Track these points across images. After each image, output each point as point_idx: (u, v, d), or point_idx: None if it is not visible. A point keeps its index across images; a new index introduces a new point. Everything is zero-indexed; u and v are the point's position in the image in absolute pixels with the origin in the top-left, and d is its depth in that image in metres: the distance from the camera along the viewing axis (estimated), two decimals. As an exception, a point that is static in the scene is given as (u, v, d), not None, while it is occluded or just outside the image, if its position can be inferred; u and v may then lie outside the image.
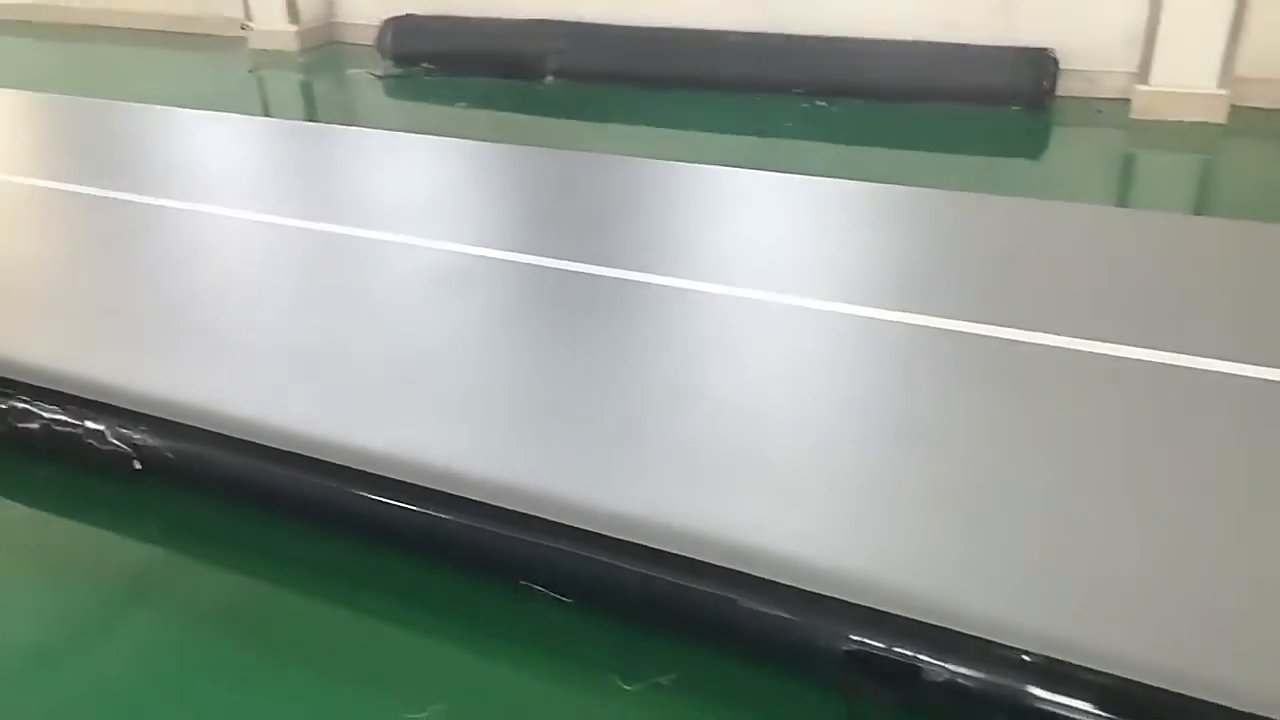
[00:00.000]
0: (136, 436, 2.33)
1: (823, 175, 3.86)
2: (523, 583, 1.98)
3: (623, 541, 1.90)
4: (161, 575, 2.21)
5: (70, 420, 2.40)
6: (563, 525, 1.95)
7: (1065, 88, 4.97)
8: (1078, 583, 1.80)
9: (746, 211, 3.55)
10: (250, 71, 6.46)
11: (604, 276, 3.02)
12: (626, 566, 1.88)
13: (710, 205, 3.62)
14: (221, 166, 4.34)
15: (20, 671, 1.93)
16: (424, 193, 3.90)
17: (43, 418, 2.43)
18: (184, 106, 5.03)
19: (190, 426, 2.32)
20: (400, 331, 2.77)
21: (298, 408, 2.38)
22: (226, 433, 2.28)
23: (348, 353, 2.65)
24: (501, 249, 3.24)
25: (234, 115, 4.98)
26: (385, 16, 6.29)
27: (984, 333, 2.60)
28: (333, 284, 3.08)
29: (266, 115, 5.60)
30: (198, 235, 3.43)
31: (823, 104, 5.15)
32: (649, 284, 2.96)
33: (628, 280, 2.98)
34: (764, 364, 2.56)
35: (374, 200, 3.74)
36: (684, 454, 2.20)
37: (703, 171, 3.92)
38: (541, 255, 3.16)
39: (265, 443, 2.25)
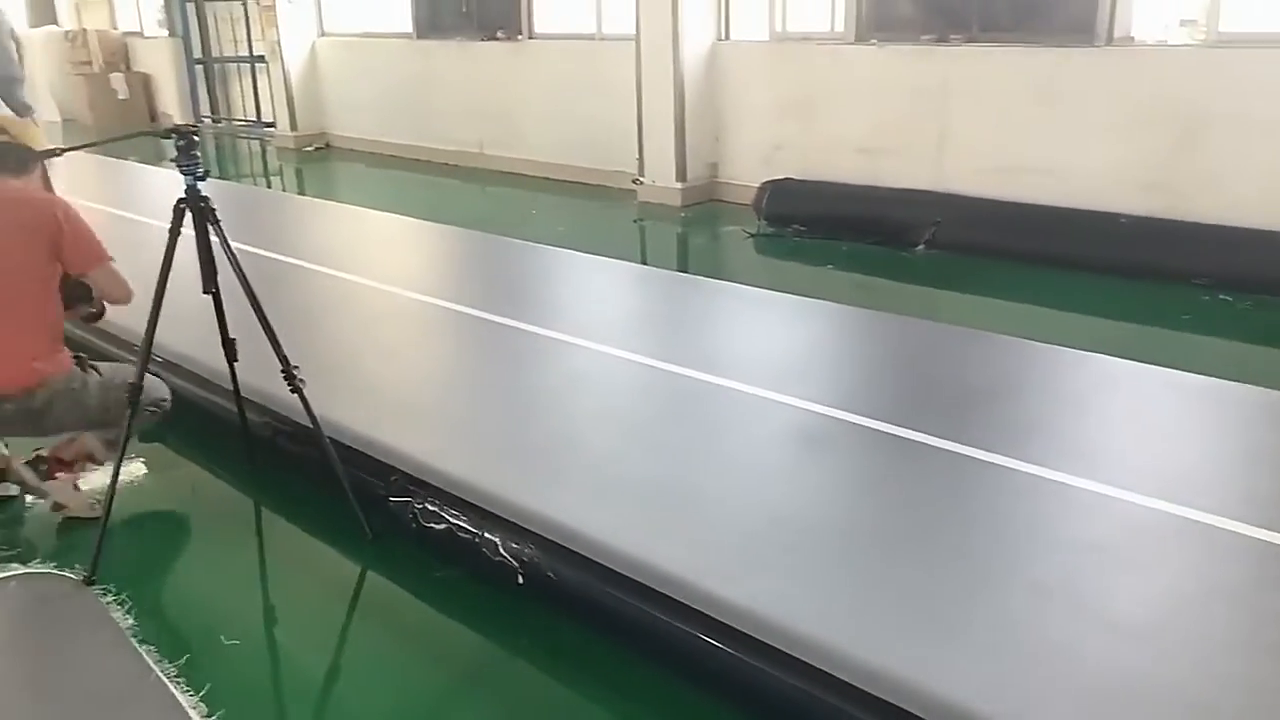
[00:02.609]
0: (524, 553, 2.50)
1: (1222, 377, 3.51)
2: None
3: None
4: (523, 690, 2.33)
5: (470, 528, 2.63)
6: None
7: None
8: None
9: (1127, 405, 3.29)
10: (635, 222, 7.04)
11: (967, 456, 2.89)
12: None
13: (1086, 394, 3.39)
14: (604, 306, 4.70)
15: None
16: (785, 350, 3.99)
17: (447, 522, 2.68)
18: (576, 249, 5.55)
19: (570, 550, 2.46)
20: (762, 484, 2.80)
21: (669, 548, 2.45)
22: (603, 562, 2.39)
23: (719, 500, 2.71)
24: (859, 414, 3.21)
25: (617, 261, 5.40)
26: (764, 179, 6.65)
27: None
28: (699, 429, 3.19)
29: (644, 263, 6.03)
30: (582, 368, 3.70)
31: (1228, 298, 4.73)
32: (1016, 470, 2.80)
33: (993, 464, 2.84)
34: (1155, 582, 2.30)
35: (737, 352, 3.88)
36: (1064, 666, 2.01)
37: (1081, 358, 3.71)
38: (899, 425, 3.09)
39: (634, 576, 2.33)
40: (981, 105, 5.96)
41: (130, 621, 2.51)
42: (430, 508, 2.74)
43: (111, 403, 2.92)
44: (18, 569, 2.75)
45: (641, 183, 7.38)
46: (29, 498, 3.14)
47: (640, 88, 7.17)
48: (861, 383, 3.63)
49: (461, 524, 2.66)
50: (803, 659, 2.05)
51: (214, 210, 2.81)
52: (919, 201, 6.01)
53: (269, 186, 9.21)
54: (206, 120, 12.74)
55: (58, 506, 2.99)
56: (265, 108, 11.50)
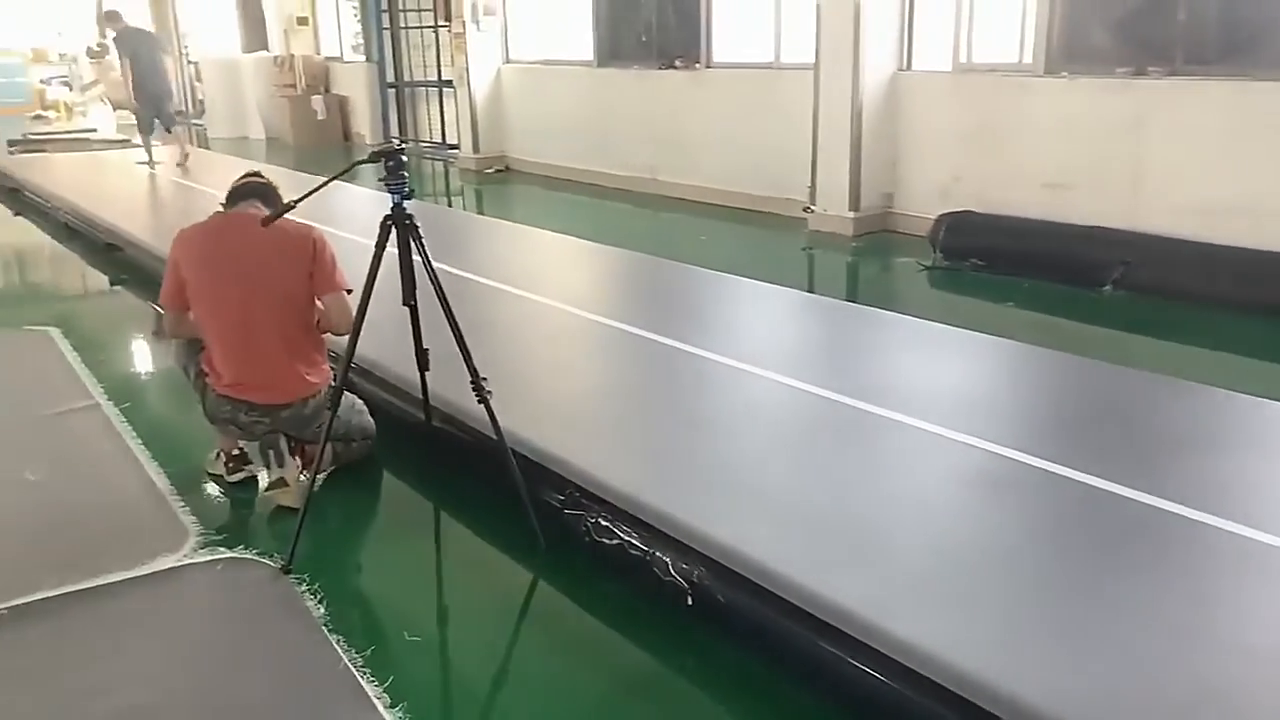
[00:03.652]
0: (694, 574, 2.53)
1: None
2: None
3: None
4: (685, 709, 2.35)
5: (641, 546, 2.67)
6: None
7: None
8: None
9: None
10: (805, 250, 7.01)
11: (1158, 508, 2.74)
12: None
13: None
14: (772, 333, 4.70)
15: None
16: (961, 387, 3.88)
17: (620, 538, 2.73)
18: (745, 275, 5.55)
19: (740, 575, 2.47)
20: (936, 522, 2.73)
21: (840, 580, 2.42)
22: (773, 589, 2.39)
23: (891, 535, 2.67)
24: (1040, 457, 3.08)
25: (786, 288, 5.37)
26: (942, 211, 6.51)
27: None
28: (870, 462, 3.14)
29: (813, 291, 5.99)
30: (752, 394, 3.71)
31: None
32: (1214, 527, 2.63)
33: (1188, 518, 2.68)
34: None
35: (910, 386, 3.79)
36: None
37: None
38: (1084, 471, 2.95)
39: (804, 606, 2.32)
40: (1181, 141, 5.66)
41: (322, 611, 2.66)
42: (603, 522, 2.80)
43: (353, 418, 3.35)
44: (225, 553, 2.96)
45: (813, 211, 7.35)
46: (261, 481, 3.40)
47: (817, 116, 7.15)
48: (1043, 425, 3.50)
49: (633, 541, 2.70)
50: (973, 700, 1.99)
51: (417, 227, 2.98)
52: (1108, 240, 5.75)
53: (449, 205, 9.64)
54: (395, 141, 13.46)
55: (278, 483, 3.23)
56: (450, 130, 12.06)
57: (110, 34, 10.64)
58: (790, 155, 7.60)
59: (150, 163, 10.17)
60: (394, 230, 2.96)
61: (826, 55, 6.99)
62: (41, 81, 19.95)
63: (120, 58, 10.27)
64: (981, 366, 4.16)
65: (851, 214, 7.10)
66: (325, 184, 2.88)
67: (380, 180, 2.96)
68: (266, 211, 3.28)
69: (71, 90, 18.77)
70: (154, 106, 10.20)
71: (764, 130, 8.05)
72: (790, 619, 2.33)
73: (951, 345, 4.36)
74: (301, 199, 2.96)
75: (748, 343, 4.40)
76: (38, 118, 18.13)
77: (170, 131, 10.52)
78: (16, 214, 9.12)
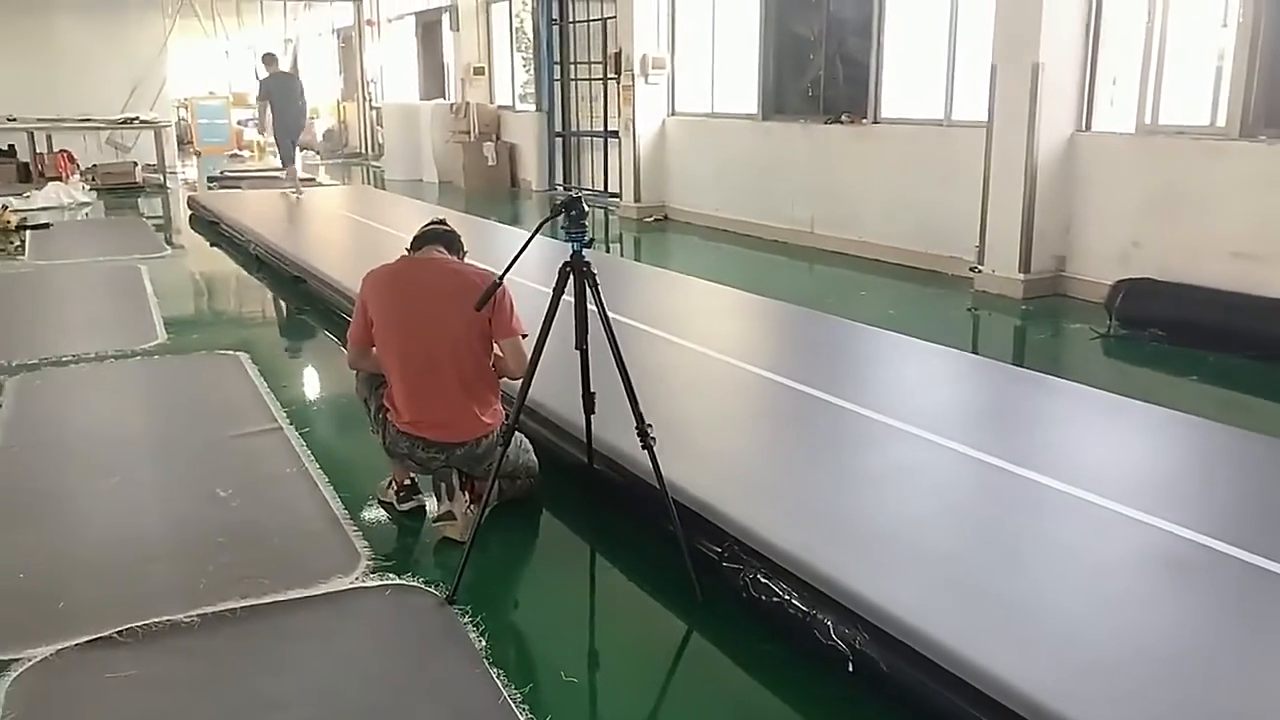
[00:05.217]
0: (856, 640, 2.47)
1: None
2: None
3: None
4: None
5: (802, 606, 2.63)
6: None
7: None
8: None
9: None
10: (970, 310, 6.82)
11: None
12: None
13: None
14: (936, 394, 4.57)
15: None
16: (1142, 463, 3.68)
17: (779, 596, 2.70)
18: (906, 333, 5.44)
19: (905, 645, 2.39)
20: (1116, 607, 2.59)
21: (1011, 660, 2.31)
22: (940, 662, 2.31)
23: (1066, 617, 2.54)
24: (1233, 544, 2.88)
25: (950, 349, 5.23)
26: (1119, 277, 6.23)
27: None
28: (1042, 535, 3.00)
29: (976, 352, 5.81)
30: (915, 456, 3.61)
31: None
32: None
33: None
34: None
35: (1085, 459, 3.62)
36: None
37: None
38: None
39: (973, 683, 2.23)
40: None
41: (483, 644, 2.72)
42: (762, 579, 2.77)
43: (520, 457, 3.46)
44: (393, 579, 3.07)
45: (980, 271, 7.16)
46: (429, 511, 3.53)
47: (988, 175, 6.99)
48: (1232, 508, 3.27)
49: (793, 600, 2.67)
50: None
51: (594, 274, 3.06)
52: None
53: (607, 251, 9.83)
54: (559, 188, 13.88)
55: (446, 516, 3.34)
56: (613, 179, 12.35)
57: (263, 74, 12.09)
58: (957, 213, 7.44)
59: (296, 191, 11.57)
60: (571, 276, 3.06)
61: (1001, 113, 6.84)
62: (239, 123, 21.54)
63: (259, 98, 11.95)
64: (1163, 442, 3.94)
65: (1021, 276, 6.87)
66: (526, 244, 2.98)
67: (563, 228, 3.06)
68: (450, 257, 3.44)
69: (263, 132, 20.18)
70: (290, 142, 11.79)
71: (930, 187, 7.92)
72: (958, 694, 2.24)
73: (1129, 418, 4.15)
74: (506, 270, 3.06)
75: (910, 402, 4.30)
76: (233, 156, 19.56)
77: (287, 166, 11.84)
78: (213, 245, 9.83)
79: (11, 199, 11.48)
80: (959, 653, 2.32)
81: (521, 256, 2.99)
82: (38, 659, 2.62)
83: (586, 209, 3.09)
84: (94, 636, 2.71)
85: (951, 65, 7.86)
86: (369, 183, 16.18)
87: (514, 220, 11.46)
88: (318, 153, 20.24)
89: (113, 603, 2.91)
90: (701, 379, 4.61)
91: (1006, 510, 3.20)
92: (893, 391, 4.56)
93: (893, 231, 8.30)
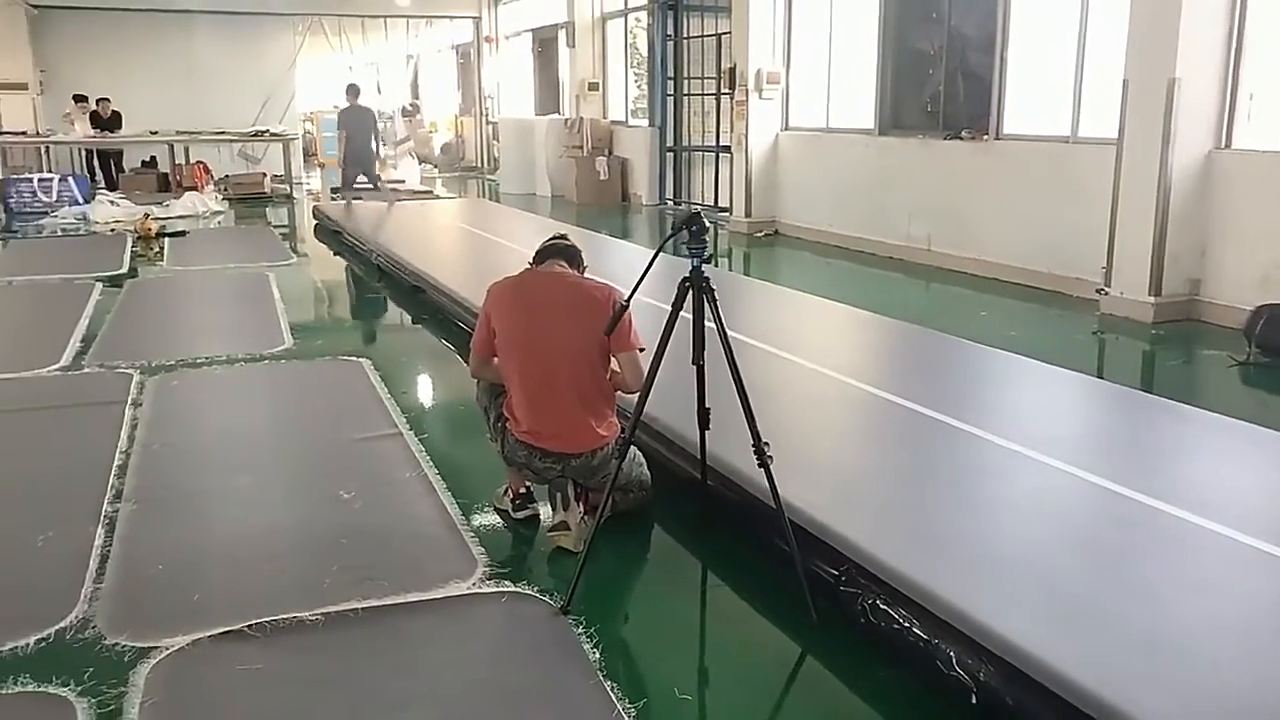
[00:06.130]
0: (981, 672, 2.39)
1: None
2: None
3: None
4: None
5: (923, 635, 2.56)
6: None
7: None
8: None
9: None
10: (1095, 333, 6.57)
11: None
12: None
13: None
14: (1060, 419, 4.41)
15: None
16: (1276, 495, 3.48)
17: (899, 623, 2.64)
18: (1027, 355, 5.27)
19: (1034, 681, 2.30)
20: (1263, 649, 2.44)
21: (1150, 700, 2.21)
22: (1072, 700, 2.21)
23: (1207, 658, 2.41)
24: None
25: (1074, 373, 5.04)
26: (1261, 302, 5.92)
27: None
28: (1177, 570, 2.85)
29: (1101, 377, 5.59)
30: (1039, 483, 3.48)
31: None
32: None
33: None
34: None
35: (1222, 491, 3.44)
36: None
37: None
38: None
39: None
40: None
41: (597, 656, 2.73)
42: (881, 605, 2.71)
43: (633, 470, 3.46)
44: (509, 586, 3.11)
45: (1106, 293, 6.89)
46: (543, 520, 3.56)
47: (1117, 194, 6.73)
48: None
49: (913, 628, 2.60)
50: None
51: (714, 290, 3.05)
52: None
53: (715, 265, 9.80)
54: (669, 202, 13.93)
55: (560, 526, 3.37)
56: (723, 194, 12.33)
57: (343, 105, 13.16)
58: (1083, 233, 7.19)
59: (348, 203, 12.39)
60: (690, 292, 3.06)
61: (1133, 130, 6.58)
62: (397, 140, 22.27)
63: (339, 128, 12.94)
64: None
65: (1151, 299, 6.59)
66: (650, 263, 3.00)
67: (683, 244, 3.06)
68: (571, 271, 3.49)
69: (384, 145, 20.82)
70: (357, 170, 12.72)
71: (1054, 205, 7.68)
72: (1087, 734, 2.15)
73: (1270, 449, 3.93)
74: (633, 292, 3.12)
75: (1033, 427, 4.17)
76: (356, 169, 20.22)
77: (376, 188, 12.93)
78: (336, 254, 10.18)
79: (152, 208, 12.12)
80: (1092, 691, 2.22)
81: (634, 267, 3.00)
82: (175, 648, 2.74)
83: (707, 225, 3.09)
84: (226, 629, 2.82)
85: (1079, 80, 7.60)
86: (484, 196, 16.54)
87: (625, 234, 11.55)
88: (435, 165, 20.79)
89: (243, 597, 3.02)
90: (816, 397, 4.55)
91: (1138, 542, 3.06)
92: (1016, 415, 4.42)
93: (1013, 250, 8.07)
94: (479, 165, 20.37)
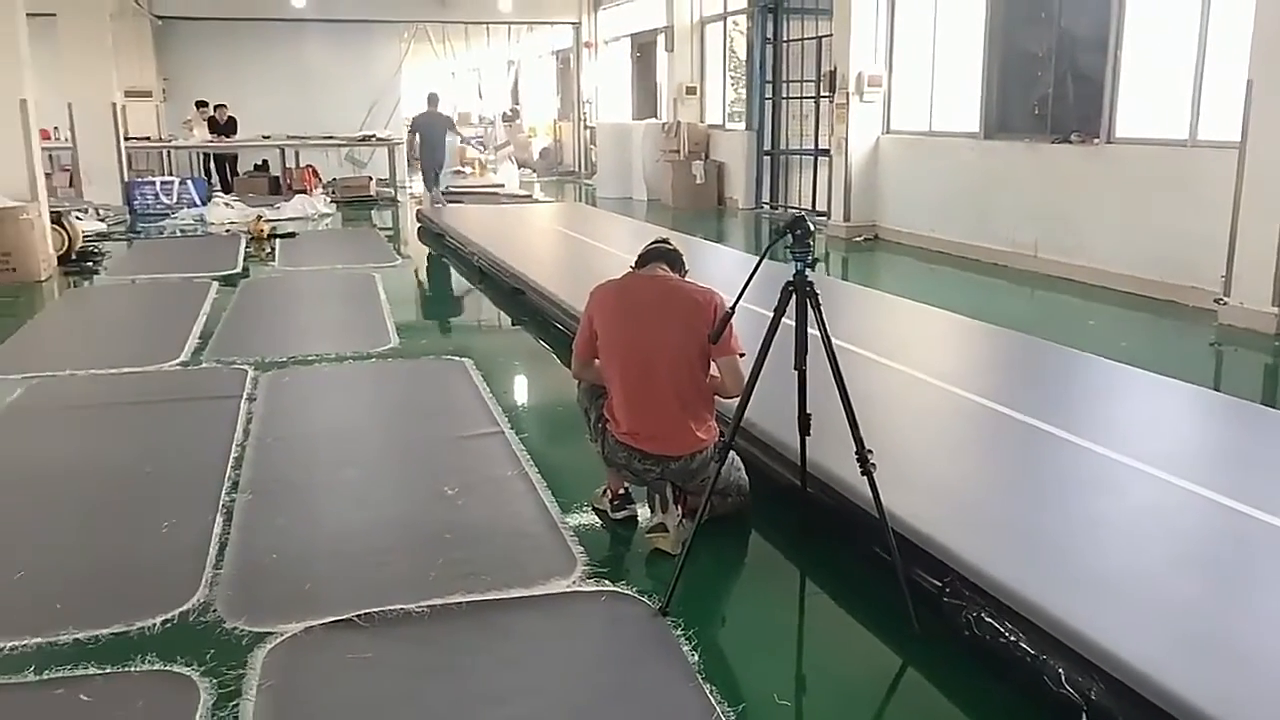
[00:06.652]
0: (1092, 691, 2.32)
1: None
2: None
3: None
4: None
5: (1030, 650, 2.50)
6: None
7: None
8: None
9: None
10: (1213, 345, 6.32)
11: None
12: None
13: None
14: (1176, 434, 4.26)
15: None
16: None
17: (1005, 637, 2.58)
18: (1139, 366, 5.08)
19: (1150, 703, 2.23)
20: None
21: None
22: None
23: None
24: None
25: (1191, 385, 4.84)
26: (1395, 314, 5.62)
27: None
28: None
29: (1218, 390, 5.36)
30: (1153, 498, 3.36)
31: None
32: None
33: None
34: None
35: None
36: None
37: None
38: None
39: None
40: None
41: (695, 658, 2.74)
42: (986, 618, 2.65)
43: (732, 474, 3.46)
44: (608, 585, 3.14)
45: (1225, 303, 6.61)
46: (642, 522, 3.58)
47: (1239, 200, 6.45)
48: None
49: (1020, 643, 2.54)
50: None
51: (817, 294, 3.04)
52: None
53: (813, 270, 9.71)
54: (765, 206, 13.87)
55: (659, 528, 3.39)
56: (821, 198, 12.22)
57: (421, 110, 13.92)
58: (1200, 240, 6.92)
59: (432, 203, 13.37)
60: (793, 296, 3.05)
61: (1257, 132, 6.30)
62: (462, 141, 22.74)
63: (411, 132, 13.81)
64: None
65: (1275, 309, 6.29)
66: (755, 270, 3.00)
67: (786, 248, 3.05)
68: (673, 275, 3.51)
69: (485, 150, 21.23)
70: (433, 171, 13.60)
71: (1169, 211, 7.40)
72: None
73: None
74: (737, 300, 3.11)
75: (1147, 440, 4.03)
76: (456, 173, 20.65)
77: (430, 191, 13.74)
78: (439, 256, 10.41)
79: (265, 210, 12.58)
80: (1211, 715, 2.14)
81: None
82: (289, 634, 2.85)
83: (812, 229, 3.08)
84: (336, 618, 2.92)
85: (1199, 81, 7.32)
86: (580, 200, 16.71)
87: (720, 238, 11.54)
88: (533, 170, 21.09)
89: (352, 587, 3.12)
90: (918, 405, 4.48)
91: (1259, 562, 2.94)
92: (1128, 428, 4.27)
93: (1124, 258, 7.81)
94: (576, 169, 20.59)
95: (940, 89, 10.40)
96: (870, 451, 2.95)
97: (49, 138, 14.07)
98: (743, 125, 14.38)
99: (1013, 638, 2.56)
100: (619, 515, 3.63)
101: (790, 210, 13.29)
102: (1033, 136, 9.02)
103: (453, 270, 9.60)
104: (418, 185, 18.10)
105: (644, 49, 18.07)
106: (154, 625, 2.91)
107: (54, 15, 12.98)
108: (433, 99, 13.81)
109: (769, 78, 13.69)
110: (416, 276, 9.75)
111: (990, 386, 4.76)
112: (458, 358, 5.95)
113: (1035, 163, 8.87)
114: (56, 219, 9.33)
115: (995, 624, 2.63)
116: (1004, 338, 5.81)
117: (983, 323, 6.09)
